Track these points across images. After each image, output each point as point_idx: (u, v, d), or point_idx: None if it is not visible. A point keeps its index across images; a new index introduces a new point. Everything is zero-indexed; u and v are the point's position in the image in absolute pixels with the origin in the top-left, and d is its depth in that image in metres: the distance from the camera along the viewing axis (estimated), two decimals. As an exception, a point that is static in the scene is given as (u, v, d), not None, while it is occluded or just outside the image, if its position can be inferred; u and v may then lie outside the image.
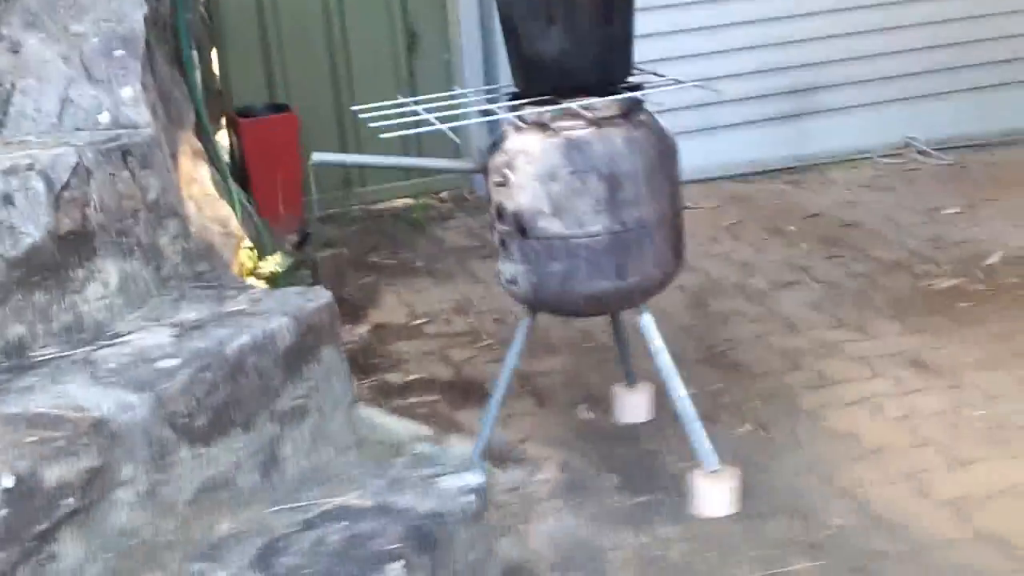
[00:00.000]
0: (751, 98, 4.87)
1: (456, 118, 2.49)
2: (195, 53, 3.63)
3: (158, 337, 2.16)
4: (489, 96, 2.86)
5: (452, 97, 2.74)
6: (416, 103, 2.56)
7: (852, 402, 2.89)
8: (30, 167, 2.18)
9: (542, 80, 2.43)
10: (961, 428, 2.72)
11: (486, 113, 2.66)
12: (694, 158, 4.61)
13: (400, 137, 2.40)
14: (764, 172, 4.86)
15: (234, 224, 3.12)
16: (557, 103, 2.38)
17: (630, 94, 2.42)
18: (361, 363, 3.19)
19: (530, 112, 2.40)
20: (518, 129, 2.43)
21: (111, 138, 2.39)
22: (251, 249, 3.33)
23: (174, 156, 2.87)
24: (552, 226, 2.39)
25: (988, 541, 2.28)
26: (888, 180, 4.70)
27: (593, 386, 3.05)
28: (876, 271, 3.72)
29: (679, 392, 2.47)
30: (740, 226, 4.29)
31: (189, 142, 3.16)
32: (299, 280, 3.50)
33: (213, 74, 4.41)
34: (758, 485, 2.53)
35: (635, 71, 2.51)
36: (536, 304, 2.52)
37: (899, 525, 2.36)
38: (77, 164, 2.23)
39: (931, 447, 2.65)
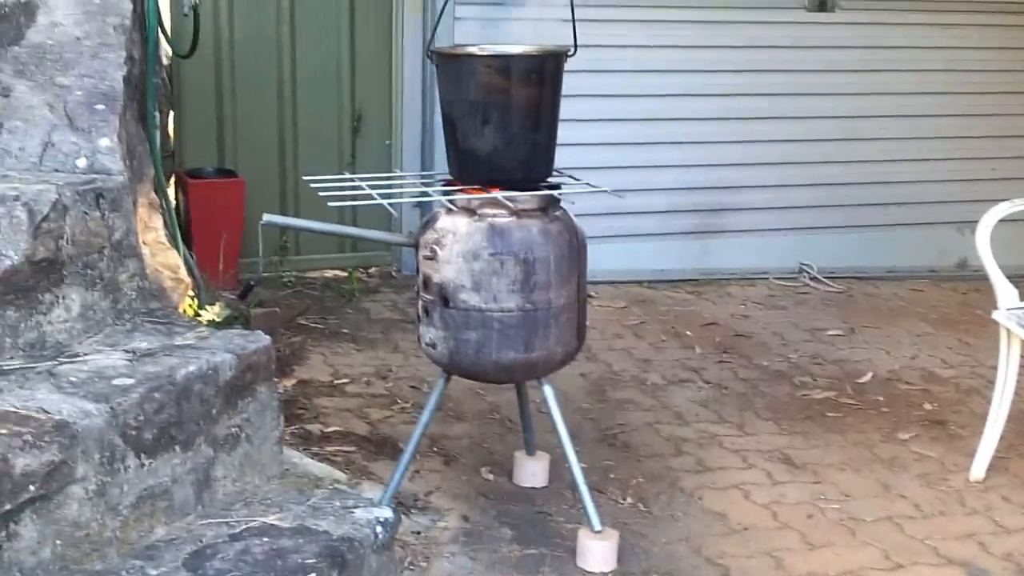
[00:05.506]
0: (663, 212, 5.30)
1: (395, 196, 2.81)
2: (157, 115, 3.91)
3: (113, 360, 2.40)
4: (424, 181, 3.20)
5: (392, 178, 3.07)
6: (361, 179, 2.87)
7: (725, 487, 3.22)
8: (16, 198, 2.42)
9: (473, 171, 2.76)
10: (817, 517, 3.06)
11: (423, 195, 2.99)
12: (607, 262, 5.06)
13: (337, 210, 2.69)
14: (669, 281, 5.27)
15: (183, 272, 3.36)
16: (485, 192, 2.72)
17: (548, 191, 2.76)
18: (285, 413, 3.38)
19: (461, 198, 2.73)
20: (449, 212, 2.75)
21: (87, 181, 2.64)
22: (191, 298, 3.57)
23: (134, 205, 3.13)
24: (471, 299, 2.70)
25: (830, 612, 2.61)
26: (780, 300, 5.14)
27: (497, 452, 3.34)
28: (760, 378, 4.10)
29: (572, 457, 2.77)
30: (643, 327, 4.66)
31: (148, 195, 3.42)
32: (234, 332, 3.71)
33: (168, 136, 4.67)
34: (635, 549, 2.83)
35: (555, 173, 2.85)
36: (451, 367, 2.81)
37: (755, 593, 2.68)
38: (56, 200, 2.48)
39: (790, 531, 2.98)
